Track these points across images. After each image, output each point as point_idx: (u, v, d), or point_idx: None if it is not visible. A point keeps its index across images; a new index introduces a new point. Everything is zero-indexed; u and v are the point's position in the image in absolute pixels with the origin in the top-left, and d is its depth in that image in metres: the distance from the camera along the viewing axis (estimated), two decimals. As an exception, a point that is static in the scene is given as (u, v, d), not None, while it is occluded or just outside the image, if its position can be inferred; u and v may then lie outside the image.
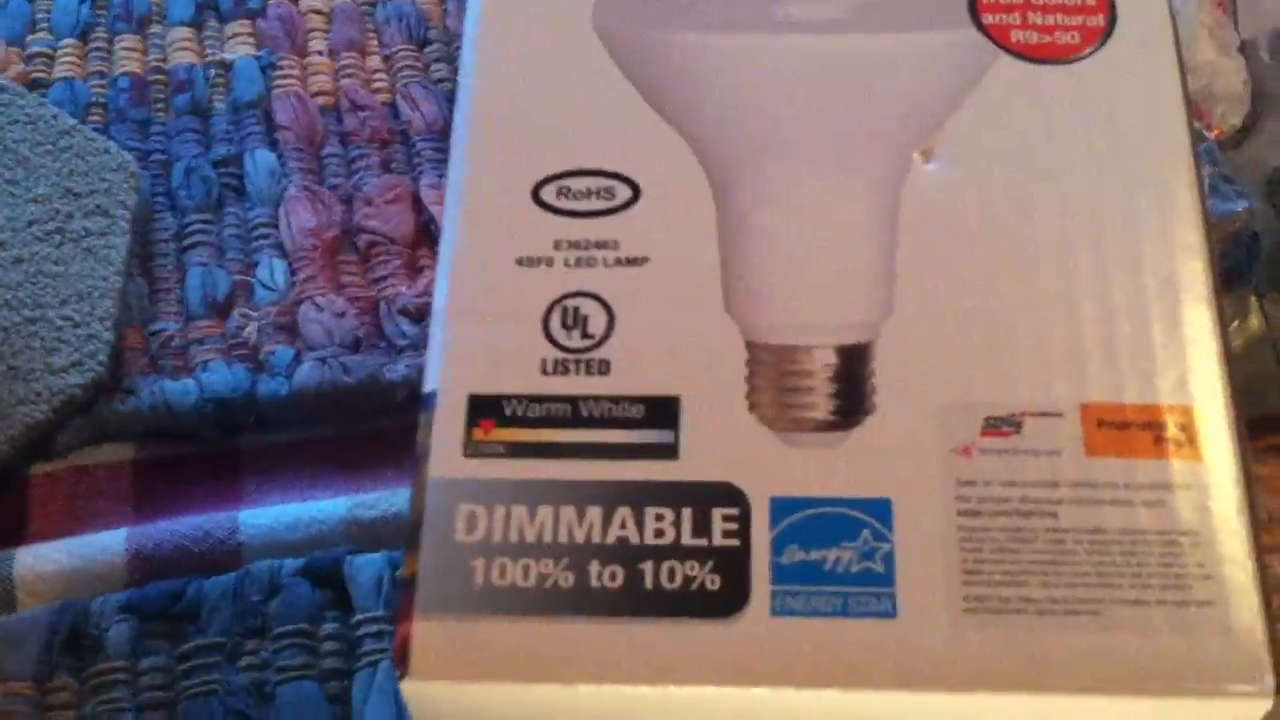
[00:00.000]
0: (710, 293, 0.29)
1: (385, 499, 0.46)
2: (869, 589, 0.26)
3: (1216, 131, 0.57)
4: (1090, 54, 0.31)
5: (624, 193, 0.30)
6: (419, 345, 0.50)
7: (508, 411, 0.28)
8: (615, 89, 0.31)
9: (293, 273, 0.53)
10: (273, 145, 0.58)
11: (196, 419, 0.48)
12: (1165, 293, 0.29)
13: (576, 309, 0.29)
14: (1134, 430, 0.27)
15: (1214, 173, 0.48)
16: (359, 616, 0.43)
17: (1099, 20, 0.32)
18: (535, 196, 0.30)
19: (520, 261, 0.30)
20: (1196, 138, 0.48)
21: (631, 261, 0.29)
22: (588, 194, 0.30)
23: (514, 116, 0.31)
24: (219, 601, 0.43)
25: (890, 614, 0.26)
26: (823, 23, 0.31)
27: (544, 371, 0.28)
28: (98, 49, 0.62)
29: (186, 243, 0.54)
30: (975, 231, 0.29)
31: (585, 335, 0.29)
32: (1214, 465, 0.27)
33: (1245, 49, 0.58)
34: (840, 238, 0.29)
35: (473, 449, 0.28)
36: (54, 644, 0.42)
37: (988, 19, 0.32)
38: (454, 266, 0.29)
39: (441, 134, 0.58)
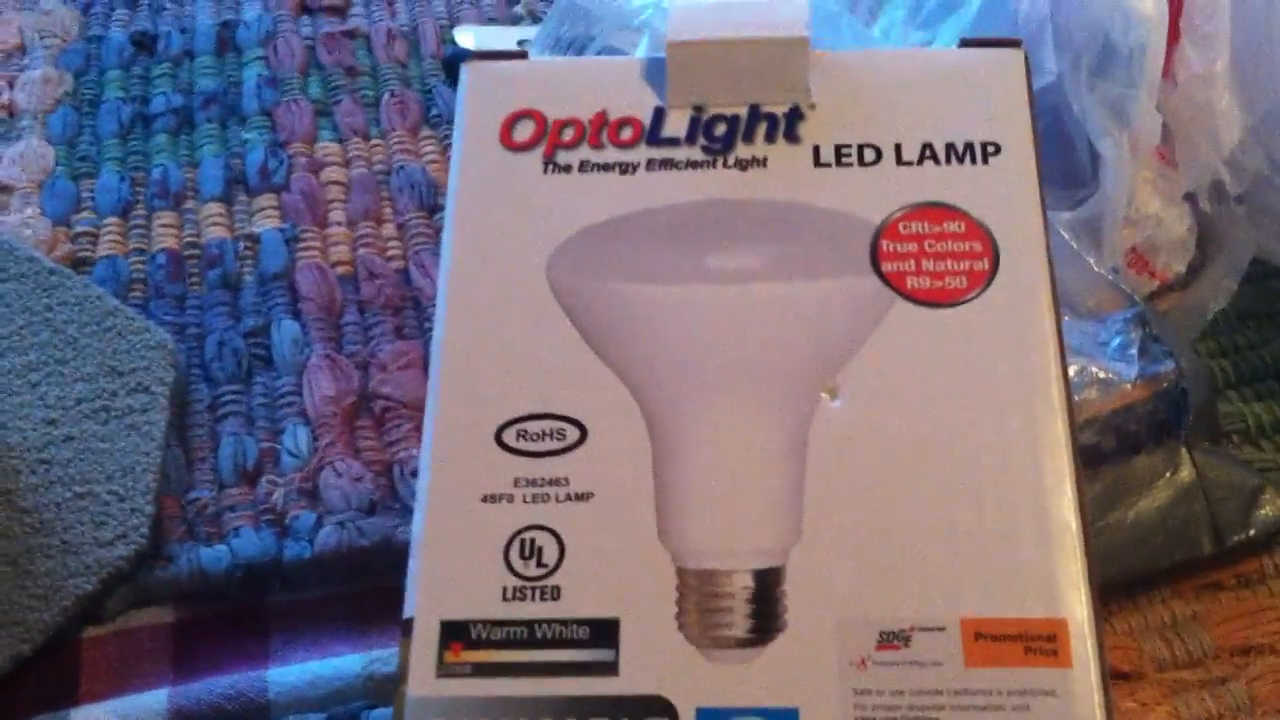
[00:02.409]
0: (647, 522, 0.34)
1: (398, 655, 0.51)
2: (778, 789, 0.31)
3: (1160, 279, 0.61)
4: (975, 296, 0.36)
5: (573, 434, 0.35)
6: (428, 507, 0.56)
7: (474, 635, 0.33)
8: (565, 337, 0.36)
9: (315, 438, 0.58)
10: (296, 315, 0.63)
11: (228, 583, 0.54)
12: (1035, 516, 0.33)
13: (533, 540, 0.34)
14: (1006, 641, 0.32)
15: (1144, 334, 0.53)
16: (374, 769, 0.48)
17: (984, 264, 0.37)
18: (498, 439, 0.35)
19: (485, 498, 0.35)
20: (1128, 302, 0.53)
21: (580, 497, 0.34)
22: (542, 436, 0.35)
23: (478, 365, 0.36)
24: (250, 757, 0.48)
25: (796, 812, 0.31)
26: (742, 272, 0.36)
27: (504, 598, 0.33)
28: (137, 226, 0.68)
29: (219, 413, 0.60)
30: (873, 463, 0.34)
31: (540, 564, 0.34)
32: (1077, 673, 0.32)
33: (1189, 198, 0.62)
34: (755, 469, 0.34)
35: (444, 670, 0.33)
36: (105, 801, 0.47)
37: (887, 267, 0.37)
38: (428, 503, 0.35)
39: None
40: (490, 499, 0.35)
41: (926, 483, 0.34)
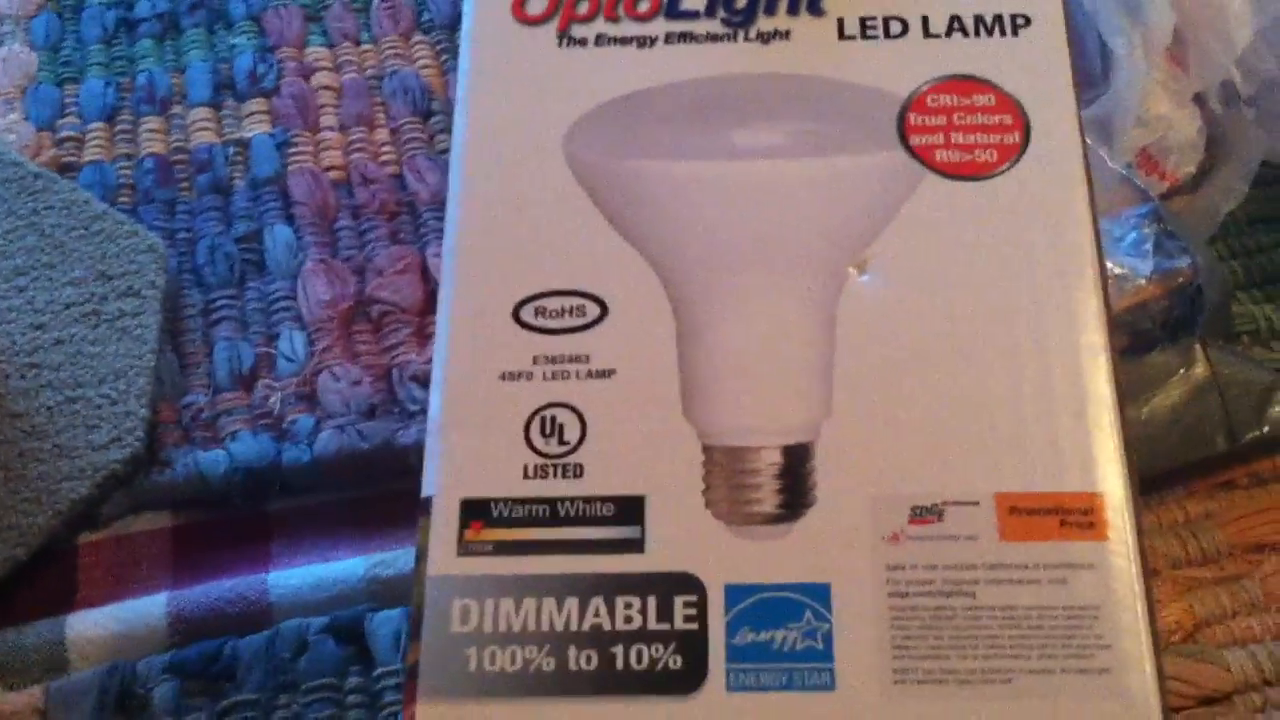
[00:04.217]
0: (671, 400, 0.33)
1: (401, 557, 0.50)
2: (811, 664, 0.30)
3: (1170, 180, 0.60)
4: (1006, 170, 0.35)
5: (593, 310, 0.34)
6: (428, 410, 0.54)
7: (495, 513, 0.32)
8: (584, 214, 0.35)
9: (311, 343, 0.57)
10: (289, 220, 0.62)
11: (227, 487, 0.53)
12: (1071, 390, 0.32)
13: (553, 418, 0.33)
14: (1042, 516, 0.31)
15: (1159, 231, 0.52)
16: (380, 670, 0.47)
17: (1015, 138, 0.35)
18: (515, 316, 0.34)
19: (504, 376, 0.34)
20: (1141, 197, 0.52)
21: (601, 374, 0.33)
22: (561, 313, 0.34)
23: (494, 243, 0.35)
24: (253, 660, 0.47)
25: (830, 686, 0.30)
26: (767, 148, 0.35)
27: (526, 476, 0.32)
28: (123, 131, 0.66)
29: (212, 318, 0.58)
30: (903, 339, 0.33)
31: (561, 442, 0.33)
32: (1114, 546, 0.31)
33: (1199, 100, 0.61)
34: (783, 346, 0.33)
35: (465, 548, 0.32)
36: (105, 704, 0.46)
37: (915, 140, 0.35)
38: (445, 382, 0.34)
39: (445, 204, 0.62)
40: (509, 377, 0.33)
41: (959, 358, 0.33)
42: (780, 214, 0.35)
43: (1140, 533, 0.31)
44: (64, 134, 0.66)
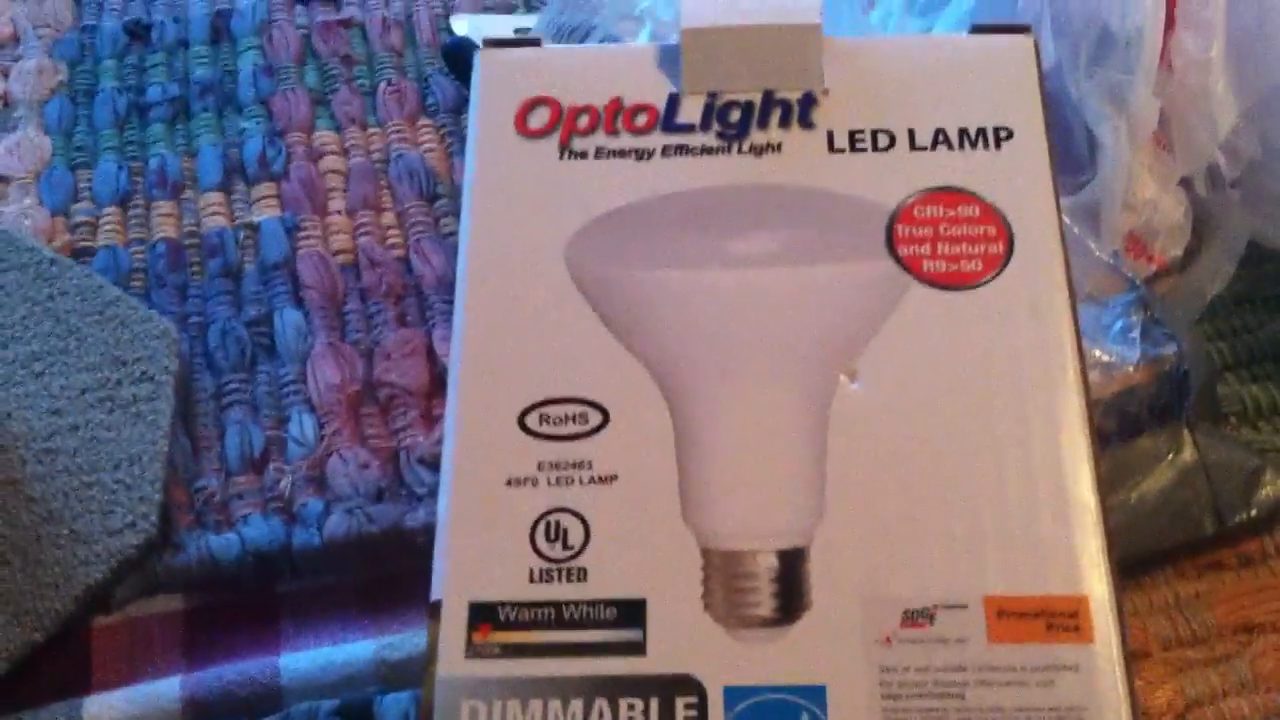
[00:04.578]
0: (671, 504, 0.34)
1: (409, 640, 0.51)
2: (807, 765, 0.31)
3: (1158, 263, 0.61)
4: (991, 279, 0.37)
5: (595, 417, 0.36)
6: (435, 492, 0.56)
7: (502, 616, 0.33)
8: (585, 322, 0.37)
9: (321, 426, 0.59)
10: (299, 304, 0.63)
11: (238, 570, 0.54)
12: (1055, 494, 0.34)
13: (558, 523, 0.34)
14: (1029, 619, 0.33)
15: (1145, 318, 0.53)
16: (388, 753, 0.48)
17: (999, 248, 0.37)
18: (521, 423, 0.36)
19: (509, 482, 0.35)
20: (1127, 285, 0.54)
21: (603, 479, 0.35)
22: (565, 420, 0.36)
23: (499, 351, 0.37)
24: (264, 744, 0.48)
25: (826, 786, 0.31)
26: (760, 257, 0.37)
27: (531, 579, 0.34)
28: (136, 215, 0.68)
29: (224, 401, 0.60)
30: (893, 444, 0.35)
31: (566, 547, 0.34)
32: (1099, 648, 0.32)
33: (1185, 183, 0.63)
34: (777, 451, 0.35)
35: (473, 650, 0.33)
36: (121, 788, 0.47)
37: (903, 250, 0.37)
38: (453, 487, 0.35)
39: (451, 287, 0.64)
40: (515, 482, 0.35)
41: (947, 462, 0.34)
42: (773, 321, 0.36)
43: (1124, 633, 0.32)
44: (78, 219, 0.68)
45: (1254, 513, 0.52)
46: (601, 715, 0.32)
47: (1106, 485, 0.51)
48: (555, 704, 0.32)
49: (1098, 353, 0.52)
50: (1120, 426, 0.53)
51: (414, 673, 0.50)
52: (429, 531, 0.54)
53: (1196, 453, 0.52)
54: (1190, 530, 0.52)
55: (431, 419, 0.59)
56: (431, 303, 0.63)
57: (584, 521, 0.34)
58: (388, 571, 0.54)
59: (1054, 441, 0.34)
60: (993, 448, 0.34)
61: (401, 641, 0.51)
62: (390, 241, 0.66)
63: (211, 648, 0.52)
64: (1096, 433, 0.35)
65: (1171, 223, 0.62)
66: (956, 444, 0.34)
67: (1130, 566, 0.52)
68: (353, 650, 0.51)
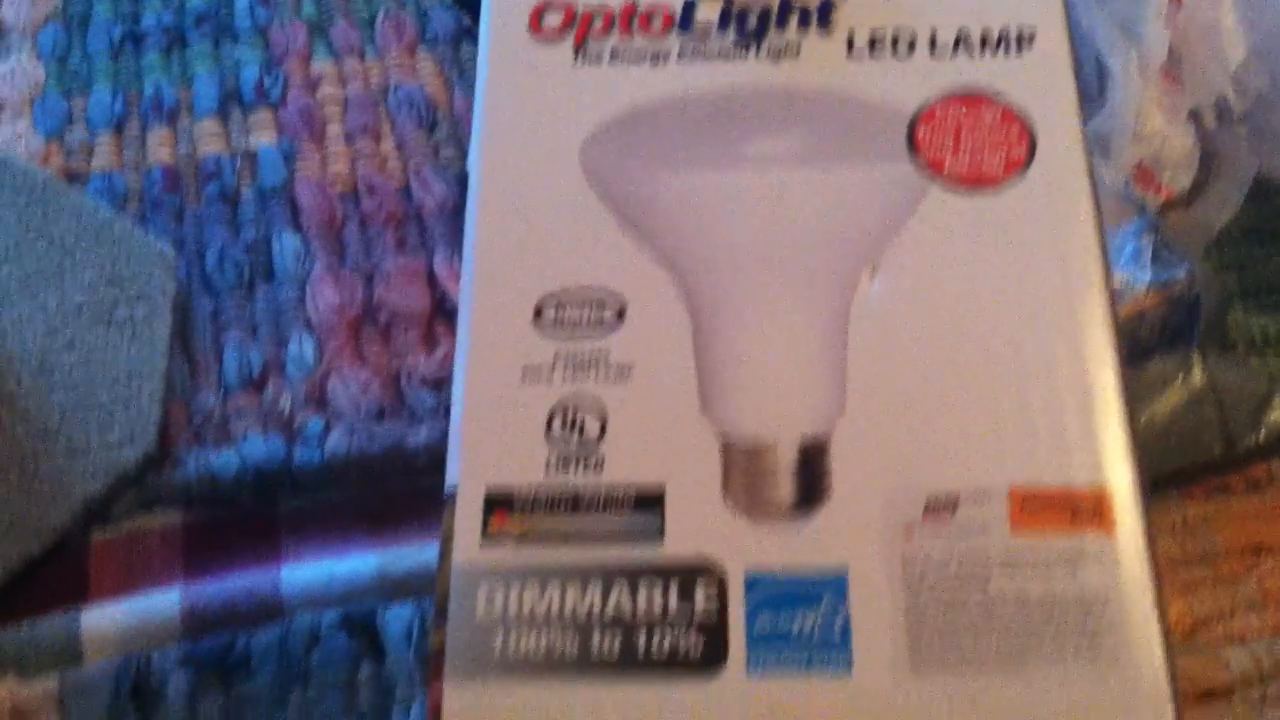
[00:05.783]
0: (688, 396, 0.34)
1: (411, 554, 0.51)
2: (828, 649, 0.31)
3: (1166, 194, 0.61)
4: (1013, 181, 0.36)
5: (611, 311, 0.35)
6: (437, 413, 0.55)
7: (518, 504, 0.33)
8: (600, 221, 0.36)
9: (320, 348, 0.58)
10: (297, 229, 0.63)
11: (238, 487, 0.53)
12: (1079, 388, 0.33)
13: (574, 413, 0.34)
14: (1052, 509, 0.32)
15: (1156, 242, 0.53)
16: (391, 662, 0.48)
17: (1021, 151, 0.36)
18: (536, 315, 0.35)
19: (525, 374, 0.34)
20: (1138, 210, 0.53)
21: (620, 371, 0.34)
22: (580, 313, 0.35)
23: (513, 247, 0.36)
24: (266, 653, 0.48)
25: (846, 671, 0.31)
26: (780, 159, 0.36)
27: (547, 468, 0.33)
28: (131, 142, 0.67)
29: (221, 323, 0.59)
30: (914, 339, 0.34)
31: (582, 436, 0.34)
32: (1123, 538, 0.32)
33: (1193, 116, 0.62)
34: (797, 348, 0.34)
35: (489, 538, 0.33)
36: (120, 694, 0.47)
37: (924, 153, 0.36)
38: (468, 379, 0.34)
39: (451, 213, 0.63)
40: (530, 373, 0.34)
41: (969, 357, 0.34)
42: (792, 223, 0.36)
43: (1149, 525, 0.32)
44: (72, 144, 0.67)
45: (1263, 436, 0.52)
46: (619, 600, 0.32)
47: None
48: (572, 589, 0.32)
49: (1108, 275, 0.52)
50: (1130, 351, 0.52)
51: (417, 586, 0.50)
52: (430, 451, 0.54)
53: (1206, 377, 0.52)
54: (1199, 453, 0.52)
55: (432, 342, 0.58)
56: (431, 229, 0.62)
57: (601, 412, 0.34)
58: (389, 490, 0.54)
59: (1079, 338, 0.34)
60: (1015, 343, 0.34)
61: (404, 556, 0.51)
62: (389, 169, 0.65)
63: (211, 562, 0.52)
64: (1121, 335, 0.35)
65: (1180, 155, 0.61)
66: (979, 339, 0.34)
67: (1137, 490, 0.52)
68: (355, 564, 0.51)
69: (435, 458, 0.54)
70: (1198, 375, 0.52)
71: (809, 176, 0.36)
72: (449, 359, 0.56)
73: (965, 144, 0.36)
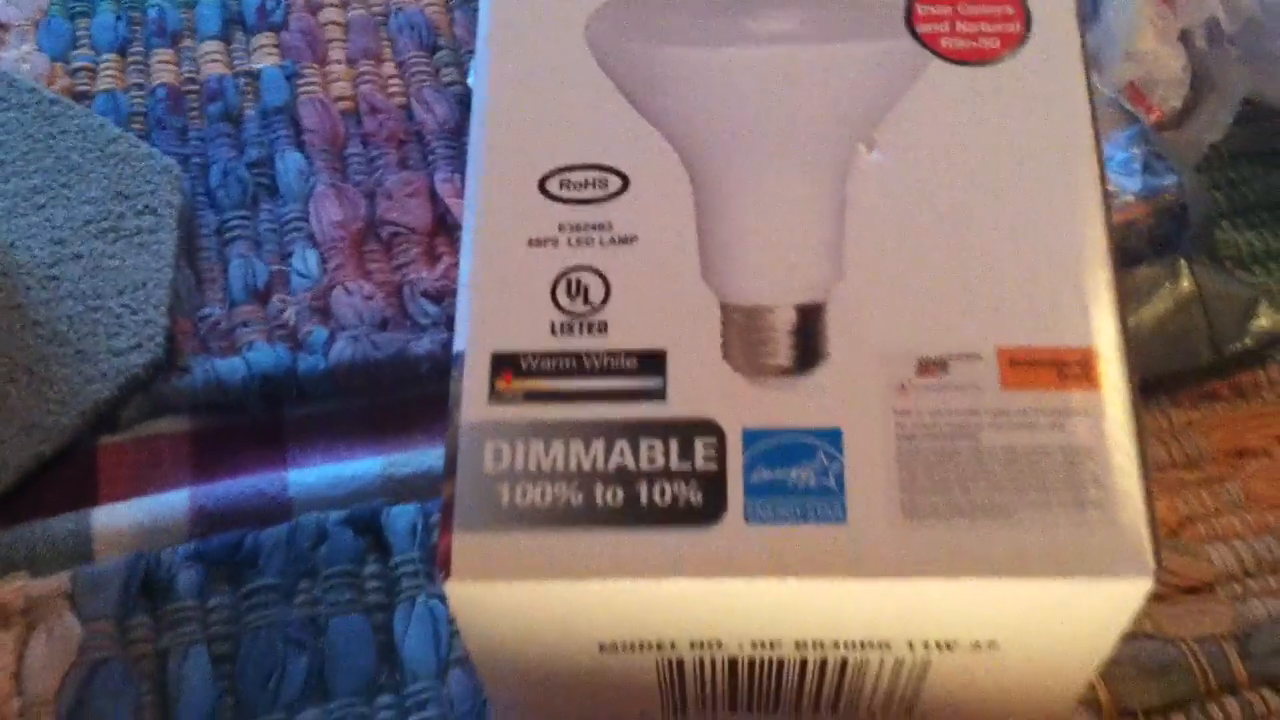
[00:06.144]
0: (690, 264, 0.35)
1: (415, 458, 0.52)
2: (824, 499, 0.32)
3: (1157, 114, 0.62)
4: (1008, 57, 0.37)
5: (615, 183, 0.36)
6: (439, 323, 0.56)
7: (524, 366, 0.34)
8: (606, 95, 0.37)
9: (324, 261, 0.59)
10: (300, 147, 0.64)
11: (245, 393, 0.54)
12: (1068, 254, 0.34)
13: (578, 280, 0.35)
14: (1040, 367, 0.33)
15: (1147, 152, 0.54)
16: (397, 559, 0.49)
17: (1016, 27, 0.37)
18: (542, 187, 0.36)
19: (531, 242, 0.35)
20: (1130, 120, 0.54)
21: (623, 240, 0.35)
22: (585, 184, 0.36)
23: (520, 121, 0.37)
24: (274, 549, 0.49)
25: (841, 519, 0.32)
26: (779, 35, 0.37)
27: (553, 332, 0.34)
28: (135, 62, 0.68)
29: (227, 237, 0.60)
30: (910, 208, 0.35)
31: (586, 302, 0.34)
32: (1108, 394, 0.33)
33: (1185, 37, 0.63)
34: (796, 216, 0.35)
35: (496, 397, 0.33)
36: (131, 588, 0.48)
37: (922, 29, 0.37)
38: (475, 247, 0.35)
39: (452, 133, 0.64)
40: (535, 242, 0.35)
41: (963, 225, 0.35)
42: (792, 97, 0.37)
43: (1133, 383, 0.33)
44: (76, 64, 0.67)
45: (1248, 342, 0.53)
46: (622, 455, 0.33)
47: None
48: (577, 444, 0.33)
49: (1098, 184, 0.53)
50: (1120, 257, 0.53)
51: (420, 488, 0.51)
52: (433, 359, 0.55)
53: (1194, 283, 0.53)
54: (1187, 358, 0.53)
55: (434, 256, 0.59)
56: (433, 148, 0.63)
57: (604, 279, 0.35)
58: (393, 398, 0.55)
59: (1070, 207, 0.35)
60: (1008, 212, 0.35)
61: (408, 459, 0.52)
62: (391, 90, 0.66)
63: (218, 467, 0.53)
64: (1110, 213, 0.36)
65: (1171, 74, 0.62)
66: (972, 208, 0.35)
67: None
68: (359, 466, 0.52)
69: (438, 366, 0.55)
70: (1185, 282, 0.53)
71: (809, 52, 0.36)
72: (451, 272, 0.57)
73: (962, 20, 0.37)
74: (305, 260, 0.59)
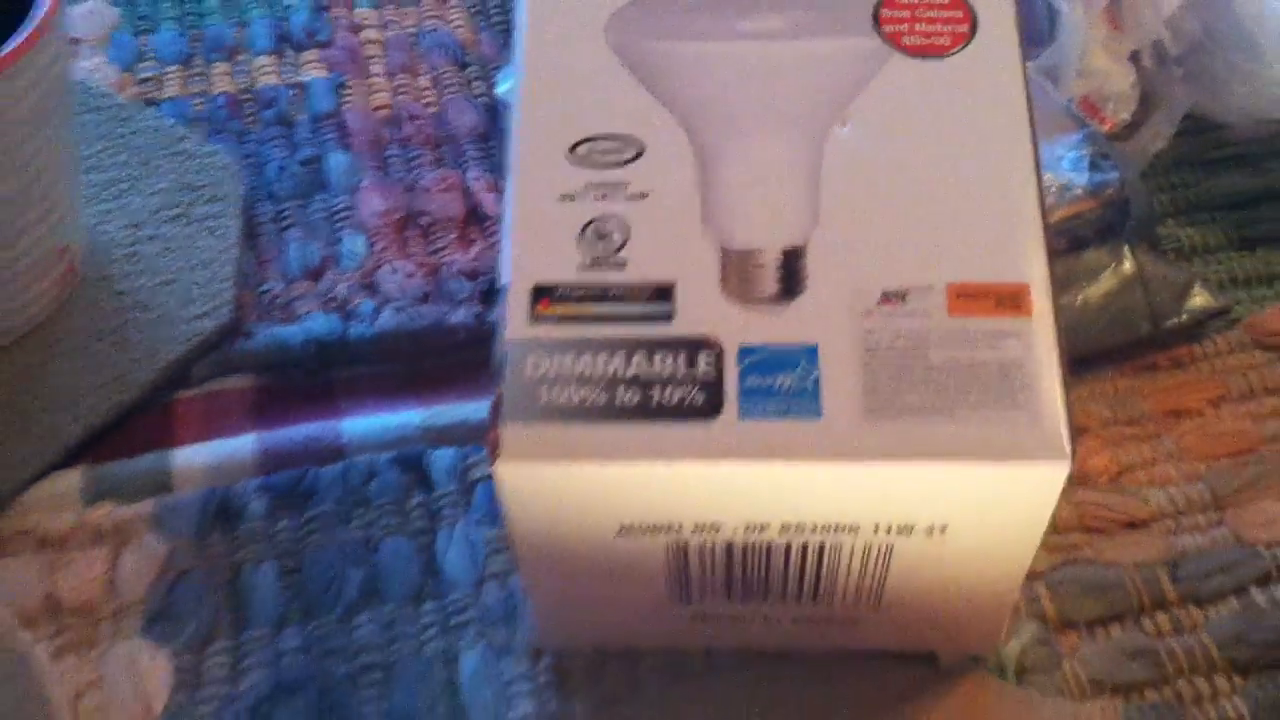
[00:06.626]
0: (693, 215, 0.42)
1: (452, 410, 0.59)
2: (803, 400, 0.39)
3: (1109, 125, 0.70)
4: (958, 52, 0.45)
5: (633, 150, 0.43)
6: (473, 298, 0.64)
7: (558, 294, 0.41)
8: (623, 79, 0.45)
9: (370, 244, 0.66)
10: (346, 148, 0.71)
11: (301, 355, 0.62)
12: (1006, 207, 0.42)
13: (602, 227, 0.42)
14: (982, 298, 0.41)
15: (1094, 152, 0.62)
16: (438, 492, 0.56)
17: (964, 29, 0.45)
18: (571, 153, 0.44)
19: (562, 197, 0.43)
20: (1081, 124, 0.62)
21: (639, 196, 0.43)
22: (607, 152, 0.43)
23: (553, 100, 0.44)
24: (331, 483, 0.56)
25: (817, 415, 0.39)
26: (767, 32, 0.45)
27: (581, 268, 0.42)
28: (196, 74, 0.76)
29: (283, 224, 0.68)
30: (875, 172, 0.43)
31: (609, 244, 0.42)
32: (1037, 320, 0.40)
33: (1135, 57, 0.71)
34: (781, 177, 0.43)
35: (535, 320, 0.41)
36: (207, 513, 0.55)
37: (886, 29, 0.45)
38: (516, 200, 0.43)
39: (482, 138, 0.72)
40: (566, 197, 0.43)
41: (919, 187, 0.42)
42: (777, 83, 0.44)
43: (1056, 312, 0.40)
44: (144, 75, 0.75)
45: (1184, 319, 0.61)
46: (638, 365, 0.40)
47: (1057, 288, 0.59)
48: (601, 356, 0.40)
49: (1052, 178, 0.61)
50: (1069, 245, 0.61)
51: (457, 435, 0.58)
52: (468, 328, 0.62)
53: (1135, 265, 0.61)
54: (1128, 332, 0.60)
55: (468, 241, 0.67)
56: (464, 150, 0.71)
57: (624, 226, 0.42)
58: (432, 362, 0.62)
59: (1008, 171, 0.42)
60: (956, 175, 0.42)
61: (446, 411, 0.59)
62: (425, 100, 0.74)
63: (279, 417, 0.60)
64: (1041, 177, 0.43)
65: (1121, 90, 0.70)
66: (927, 172, 0.42)
67: (1074, 363, 0.60)
68: (404, 417, 0.59)
69: (472, 334, 0.62)
70: (1128, 264, 0.60)
71: (792, 47, 0.44)
72: (482, 255, 0.65)
73: (920, 21, 0.45)
74: (353, 244, 0.66)
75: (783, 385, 0.40)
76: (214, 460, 0.57)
